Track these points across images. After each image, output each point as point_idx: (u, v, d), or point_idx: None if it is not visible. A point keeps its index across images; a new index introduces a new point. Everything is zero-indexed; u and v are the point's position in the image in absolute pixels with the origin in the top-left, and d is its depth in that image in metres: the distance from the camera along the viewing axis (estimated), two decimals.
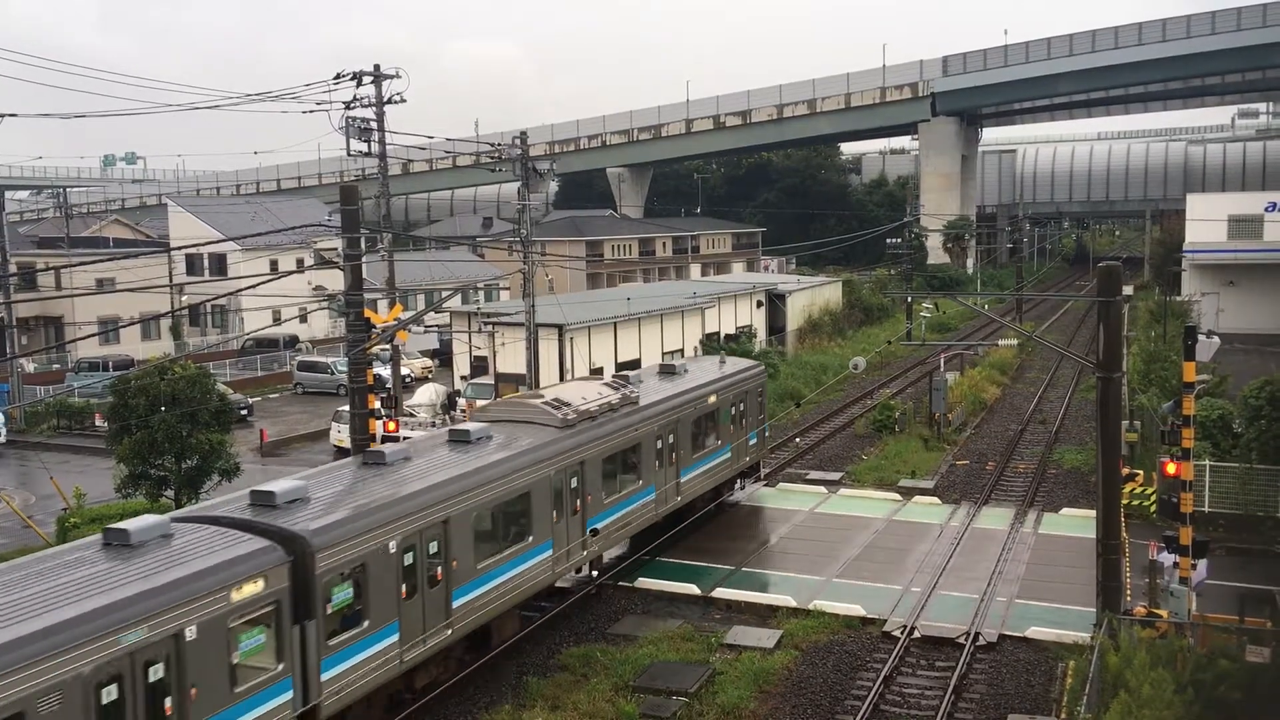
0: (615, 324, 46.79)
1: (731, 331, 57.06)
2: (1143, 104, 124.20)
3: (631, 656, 20.06)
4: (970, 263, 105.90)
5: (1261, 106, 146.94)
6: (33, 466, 39.10)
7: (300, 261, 66.87)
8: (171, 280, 63.07)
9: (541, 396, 23.46)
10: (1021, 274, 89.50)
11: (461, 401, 42.73)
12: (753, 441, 31.13)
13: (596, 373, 42.95)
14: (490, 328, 44.42)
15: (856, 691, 18.90)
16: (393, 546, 16.58)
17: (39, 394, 48.55)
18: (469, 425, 21.54)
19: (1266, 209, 64.36)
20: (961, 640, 20.71)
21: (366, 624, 16.09)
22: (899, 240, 76.43)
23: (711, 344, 52.45)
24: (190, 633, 13.26)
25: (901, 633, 21.09)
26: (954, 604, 22.70)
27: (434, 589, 17.60)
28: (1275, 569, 24.45)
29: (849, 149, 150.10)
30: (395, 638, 16.68)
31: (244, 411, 44.71)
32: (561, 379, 40.89)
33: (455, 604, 18.09)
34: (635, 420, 24.23)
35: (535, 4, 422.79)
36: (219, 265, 72.63)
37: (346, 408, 29.10)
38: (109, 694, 12.25)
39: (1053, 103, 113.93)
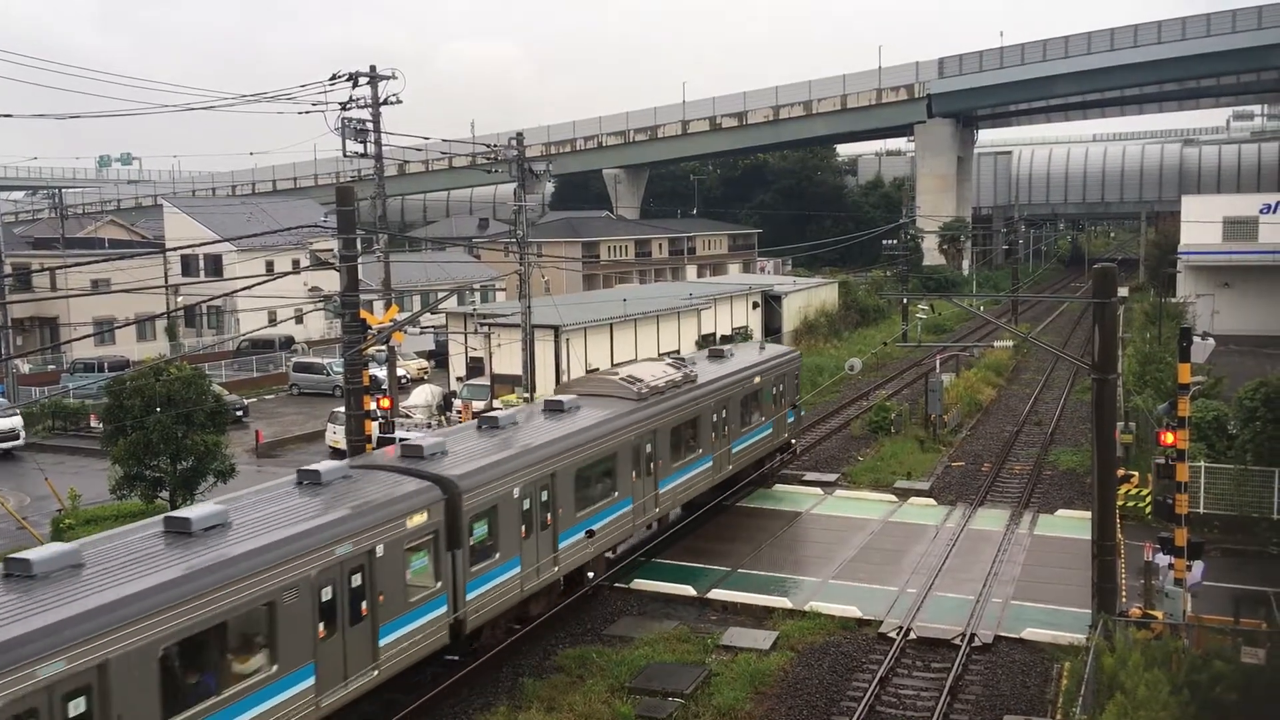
0: (611, 325, 46.81)
1: (727, 332, 57.06)
2: (1138, 106, 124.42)
3: (627, 658, 20.06)
4: (966, 264, 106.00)
5: (1256, 108, 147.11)
6: (28, 467, 39.03)
7: (296, 262, 66.84)
8: (167, 281, 62.94)
9: (617, 374, 26.84)
10: (1017, 275, 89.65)
11: (457, 403, 42.72)
12: (790, 419, 34.02)
13: (593, 374, 42.97)
14: (486, 329, 44.41)
15: (852, 693, 18.91)
16: (516, 493, 19.74)
17: (34, 395, 48.45)
18: (562, 396, 24.70)
19: (1261, 211, 64.49)
20: (957, 641, 20.73)
21: (497, 556, 19.29)
22: (895, 241, 76.41)
23: (707, 345, 52.43)
24: (379, 550, 16.38)
25: (897, 634, 21.11)
26: (950, 605, 22.72)
27: (544, 531, 20.73)
28: (1270, 570, 24.49)
29: (845, 150, 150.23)
30: (517, 570, 19.88)
31: (239, 413, 44.63)
32: (558, 380, 40.91)
33: (561, 545, 21.27)
34: (695, 396, 27.16)
35: (533, 5, 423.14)
36: (214, 266, 72.52)
37: (342, 409, 29.11)
38: (325, 594, 15.38)
39: (1049, 104, 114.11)
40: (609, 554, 23.83)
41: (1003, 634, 21.16)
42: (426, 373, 56.00)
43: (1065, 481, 33.79)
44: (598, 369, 44.28)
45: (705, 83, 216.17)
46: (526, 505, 20.05)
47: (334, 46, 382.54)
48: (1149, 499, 28.12)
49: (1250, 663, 17.07)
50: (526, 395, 36.78)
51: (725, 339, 55.69)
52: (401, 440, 20.65)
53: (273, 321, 65.95)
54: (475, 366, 46.49)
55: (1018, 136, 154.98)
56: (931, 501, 31.52)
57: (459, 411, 41.49)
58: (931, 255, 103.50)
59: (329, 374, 52.62)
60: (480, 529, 18.82)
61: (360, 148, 33.91)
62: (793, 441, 35.10)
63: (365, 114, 33.91)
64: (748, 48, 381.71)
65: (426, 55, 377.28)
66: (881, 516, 29.79)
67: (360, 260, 25.67)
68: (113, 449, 26.99)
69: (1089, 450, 26.88)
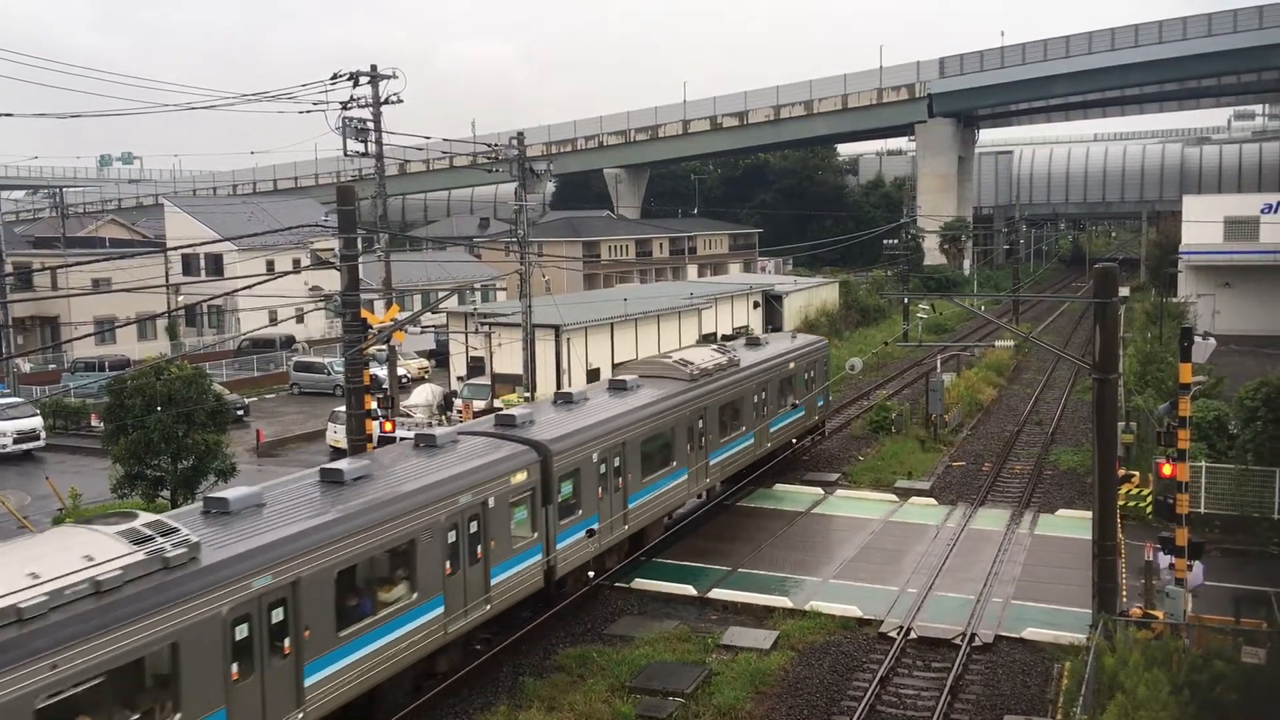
0: (612, 325, 46.78)
1: (729, 332, 57.06)
2: (1139, 105, 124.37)
3: (628, 657, 20.06)
4: (967, 264, 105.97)
5: (1257, 108, 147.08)
6: (28, 466, 39.09)
7: (297, 262, 66.78)
8: (168, 280, 62.97)
9: (671, 357, 29.74)
10: (1018, 275, 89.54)
11: (458, 402, 42.71)
12: (820, 403, 37.04)
13: (593, 374, 43.03)
14: (487, 328, 44.40)
15: (853, 692, 18.91)
16: (594, 458, 22.51)
17: (35, 394, 48.41)
18: (624, 376, 27.20)
19: (1262, 210, 64.48)
20: (958, 641, 20.74)
21: (580, 512, 22.10)
22: (896, 241, 76.44)
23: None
24: (491, 501, 19.14)
25: (898, 634, 21.11)
26: (950, 605, 22.72)
27: (616, 494, 23.43)
28: (1271, 570, 24.49)
29: (846, 150, 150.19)
30: (595, 525, 22.69)
31: (240, 412, 44.63)
32: (558, 380, 40.90)
33: (630, 506, 24.09)
34: (738, 379, 29.95)
35: (533, 5, 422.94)
36: (215, 265, 72.52)
37: (343, 408, 29.12)
38: (450, 536, 18.08)
39: (1049, 104, 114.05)
40: (665, 518, 26.75)
41: (1003, 634, 21.17)
42: (427, 372, 55.99)
43: (1066, 481, 33.79)
44: (597, 368, 44.34)
45: (706, 83, 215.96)
46: (602, 469, 22.93)
47: (334, 46, 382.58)
48: (1150, 499, 28.11)
49: (1251, 663, 17.06)
50: (527, 395, 36.78)
51: (727, 338, 55.73)
52: (497, 411, 24.20)
53: (273, 321, 65.96)
54: (476, 366, 46.48)
55: (1019, 136, 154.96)
56: (932, 501, 31.52)
57: (459, 411, 41.48)
58: (932, 255, 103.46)
59: (330, 373, 52.62)
60: (566, 488, 21.69)
61: (361, 147, 33.90)
62: (824, 423, 38.49)
63: (366, 113, 33.91)
64: (748, 48, 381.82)
65: (426, 55, 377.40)
66: (882, 516, 29.79)
67: (361, 260, 25.68)
68: (113, 448, 27.00)
69: (1090, 450, 26.86)
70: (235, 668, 13.75)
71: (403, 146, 37.52)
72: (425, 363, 57.98)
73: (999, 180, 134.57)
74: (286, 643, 14.66)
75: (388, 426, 27.78)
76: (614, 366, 45.02)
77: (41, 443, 41.20)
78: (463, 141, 67.26)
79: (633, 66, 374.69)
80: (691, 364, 28.51)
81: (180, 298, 64.06)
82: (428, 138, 39.78)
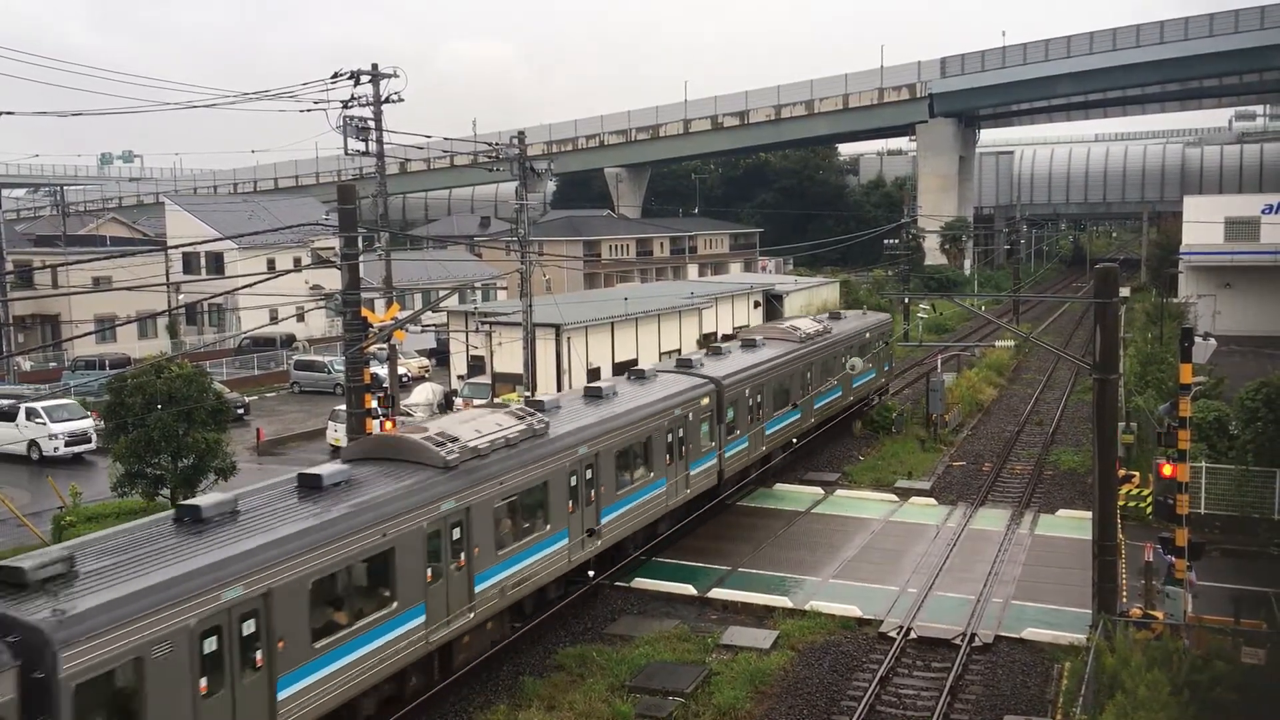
0: (613, 324, 46.78)
1: (729, 331, 57.05)
2: (1140, 106, 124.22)
3: (628, 657, 20.06)
4: (967, 264, 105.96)
5: (1259, 109, 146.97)
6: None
7: (297, 260, 66.79)
8: (168, 279, 62.99)
9: (783, 324, 38.82)
10: (1018, 275, 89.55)
11: (459, 401, 42.69)
12: (885, 367, 44.41)
13: (594, 373, 43.08)
14: (487, 327, 44.39)
15: (852, 692, 18.91)
16: (746, 392, 29.87)
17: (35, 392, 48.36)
18: (752, 336, 35.50)
19: (1263, 211, 64.45)
20: (957, 641, 20.74)
21: (737, 432, 29.42)
22: (896, 241, 76.37)
23: (709, 344, 52.50)
24: (690, 418, 26.56)
25: (898, 633, 21.11)
26: (950, 605, 22.72)
27: (758, 422, 30.79)
28: (1271, 571, 24.47)
29: (847, 150, 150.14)
30: (746, 444, 30.04)
31: (240, 410, 44.62)
32: (559, 379, 40.91)
33: (767, 433, 31.63)
34: (831, 343, 37.39)
35: (534, 4, 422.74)
36: (216, 264, 72.55)
37: (343, 407, 29.13)
38: (669, 438, 25.49)
39: (1050, 104, 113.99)
40: (782, 452, 33.80)
41: (1003, 634, 21.16)
42: (428, 371, 55.99)
43: (1066, 481, 33.79)
44: (597, 367, 44.33)
45: (707, 82, 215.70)
46: (749, 402, 30.01)
47: (332, 46, 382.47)
48: (1150, 499, 28.11)
49: (1250, 663, 17.06)
50: (527, 394, 36.77)
51: (727, 338, 55.72)
52: (679, 358, 31.84)
53: (274, 319, 65.98)
54: (476, 365, 46.48)
55: (1019, 136, 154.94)
56: (932, 501, 31.52)
57: (460, 410, 41.45)
58: (933, 255, 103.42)
59: (330, 372, 52.63)
60: (730, 412, 28.69)
61: (362, 146, 33.88)
62: (888, 385, 45.78)
63: (367, 112, 33.90)
64: (747, 48, 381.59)
65: (426, 55, 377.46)
66: (882, 516, 29.79)
67: (362, 258, 25.68)
68: (114, 446, 27.00)
69: (1090, 450, 26.85)
70: (571, 502, 21.34)
71: (403, 145, 37.50)
72: (426, 361, 57.98)
73: (1000, 180, 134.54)
74: (592, 492, 22.20)
75: (388, 426, 27.75)
76: (614, 366, 45.02)
77: (93, 445, 38.79)
78: (463, 141, 67.30)
79: (633, 67, 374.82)
80: (800, 329, 36.51)
81: (181, 296, 64.07)
82: (428, 137, 39.79)
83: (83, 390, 47.01)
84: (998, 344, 52.04)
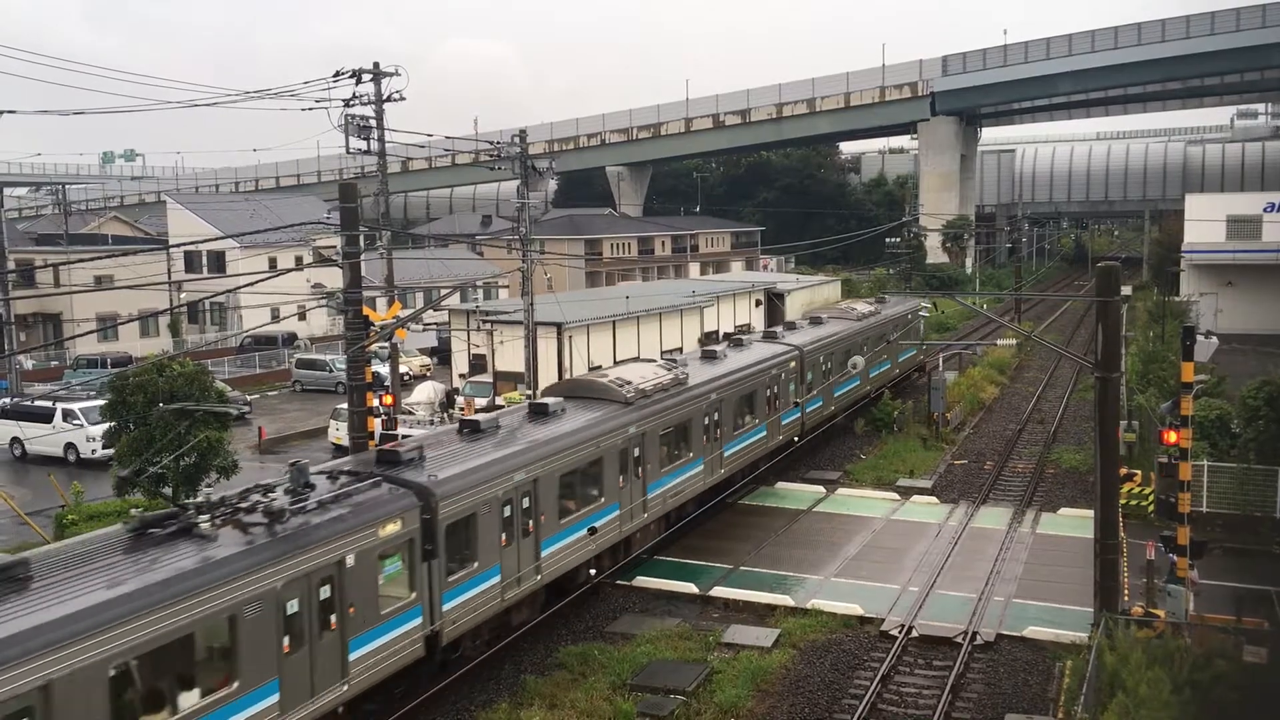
0: (614, 322, 46.75)
1: (730, 330, 57.02)
2: (1142, 104, 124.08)
3: (629, 655, 20.06)
4: (969, 262, 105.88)
5: (1260, 107, 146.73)
6: (31, 463, 39.06)
7: (299, 259, 66.79)
8: (170, 277, 63.03)
9: (842, 306, 48.28)
10: (1020, 274, 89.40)
11: (460, 400, 42.70)
12: (924, 345, 51.04)
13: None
14: (489, 326, 44.39)
15: (854, 690, 18.91)
16: (820, 358, 35.73)
17: (37, 391, 48.41)
18: (819, 314, 43.17)
19: (1265, 209, 64.42)
20: (959, 640, 20.74)
21: (815, 392, 34.76)
22: (898, 239, 76.48)
23: (710, 343, 52.51)
24: (781, 377, 32.06)
25: (899, 632, 21.11)
26: (952, 603, 22.72)
27: (827, 386, 35.88)
28: (1273, 569, 24.47)
29: (848, 148, 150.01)
30: (821, 403, 35.73)
31: (243, 409, 44.62)
32: (560, 378, 40.87)
33: (835, 394, 37.14)
34: (879, 322, 43.50)
35: (533, 3, 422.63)
36: (218, 262, 72.55)
37: (345, 405, 29.12)
38: (761, 397, 30.68)
39: (1052, 102, 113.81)
40: (845, 413, 39.23)
41: (1005, 632, 21.16)
42: (429, 370, 56.01)
43: (1068, 480, 33.78)
44: (599, 366, 44.28)
45: (708, 81, 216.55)
46: (823, 367, 35.88)
47: (330, 45, 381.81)
48: (1152, 498, 28.10)
49: (1252, 662, 17.06)
50: (529, 393, 36.76)
51: (728, 337, 55.72)
52: (764, 329, 39.42)
53: (275, 318, 65.99)
54: (478, 364, 46.47)
55: (1021, 134, 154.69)
56: (934, 500, 31.52)
57: (461, 409, 41.48)
58: (934, 253, 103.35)
59: (332, 370, 52.65)
60: (809, 375, 34.20)
61: (364, 144, 33.92)
62: (925, 362, 51.29)
63: (369, 111, 33.92)
64: (749, 46, 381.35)
65: (425, 54, 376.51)
66: (884, 514, 29.79)
67: (363, 257, 25.68)
68: (116, 445, 27.00)
69: (1091, 449, 26.84)
70: (705, 437, 25.60)
71: (405, 144, 37.54)
72: (427, 360, 57.99)
73: (1001, 178, 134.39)
74: (719, 431, 27.03)
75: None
76: (615, 364, 44.97)
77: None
78: (465, 139, 67.23)
79: (635, 65, 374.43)
80: (856, 309, 44.23)
81: (182, 295, 64.11)
82: (430, 135, 39.86)
83: (85, 389, 46.95)
84: (999, 342, 52.01)
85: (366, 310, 25.32)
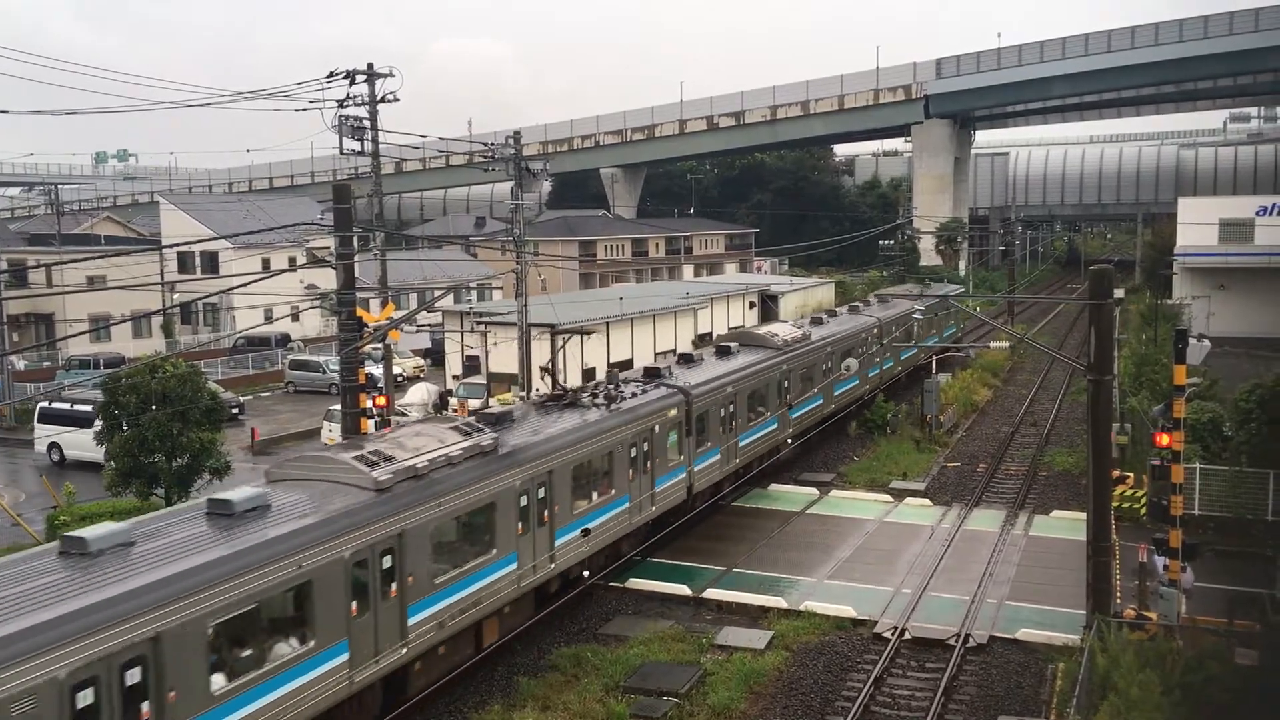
0: (608, 324, 46.75)
1: (724, 332, 57.03)
2: (1135, 107, 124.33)
3: (622, 657, 20.06)
4: (962, 265, 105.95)
5: (1253, 111, 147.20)
6: (22, 464, 38.98)
7: (292, 260, 66.75)
8: (163, 278, 62.87)
9: (897, 291, 55.33)
10: (1013, 276, 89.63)
11: (453, 401, 42.67)
12: (953, 329, 57.32)
13: (589, 373, 43.10)
14: (482, 327, 44.36)
15: (847, 692, 18.93)
16: (875, 332, 42.90)
17: (29, 391, 48.28)
18: (888, 294, 50.83)
19: (1257, 213, 64.55)
20: (952, 642, 20.76)
21: (853, 367, 36.14)
22: (892, 242, 76.51)
23: (704, 345, 52.56)
24: (836, 356, 37.71)
25: (892, 634, 21.13)
26: (945, 605, 22.75)
27: (872, 367, 42.01)
28: (1264, 572, 24.52)
29: (842, 150, 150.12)
30: (856, 382, 40.17)
31: (235, 410, 44.52)
32: (553, 380, 40.78)
33: (884, 367, 44.24)
34: (933, 303, 44.56)
35: (528, 3, 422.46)
36: (211, 263, 72.37)
37: (338, 406, 29.09)
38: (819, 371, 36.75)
39: (1045, 105, 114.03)
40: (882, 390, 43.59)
41: (997, 634, 21.20)
42: (423, 371, 55.95)
43: (1060, 482, 33.83)
44: (593, 368, 44.26)
45: (702, 83, 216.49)
46: (864, 346, 40.93)
47: (327, 45, 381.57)
48: (1144, 500, 28.16)
49: (1243, 664, 17.09)
50: (523, 394, 36.74)
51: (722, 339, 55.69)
52: (812, 314, 44.46)
53: (269, 319, 65.87)
54: (472, 365, 46.44)
55: (1015, 137, 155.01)
56: (927, 502, 31.55)
57: (455, 410, 41.44)
58: (928, 256, 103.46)
59: (325, 371, 52.56)
60: (848, 360, 35.74)
61: (357, 145, 33.82)
62: (962, 339, 58.49)
63: (362, 111, 33.83)
64: (743, 49, 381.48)
65: (420, 54, 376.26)
66: (877, 517, 29.82)
67: (357, 258, 25.66)
68: (108, 445, 26.94)
69: (1084, 451, 26.89)
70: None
71: (399, 145, 37.46)
72: (421, 361, 57.93)
73: (995, 181, 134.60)
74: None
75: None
76: (609, 366, 44.97)
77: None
78: (459, 140, 67.11)
79: (629, 67, 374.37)
80: (891, 300, 50.32)
81: (175, 295, 63.97)
82: (424, 136, 39.71)
83: (78, 389, 46.80)
84: (992, 345, 52.09)
85: (360, 311, 25.29)
